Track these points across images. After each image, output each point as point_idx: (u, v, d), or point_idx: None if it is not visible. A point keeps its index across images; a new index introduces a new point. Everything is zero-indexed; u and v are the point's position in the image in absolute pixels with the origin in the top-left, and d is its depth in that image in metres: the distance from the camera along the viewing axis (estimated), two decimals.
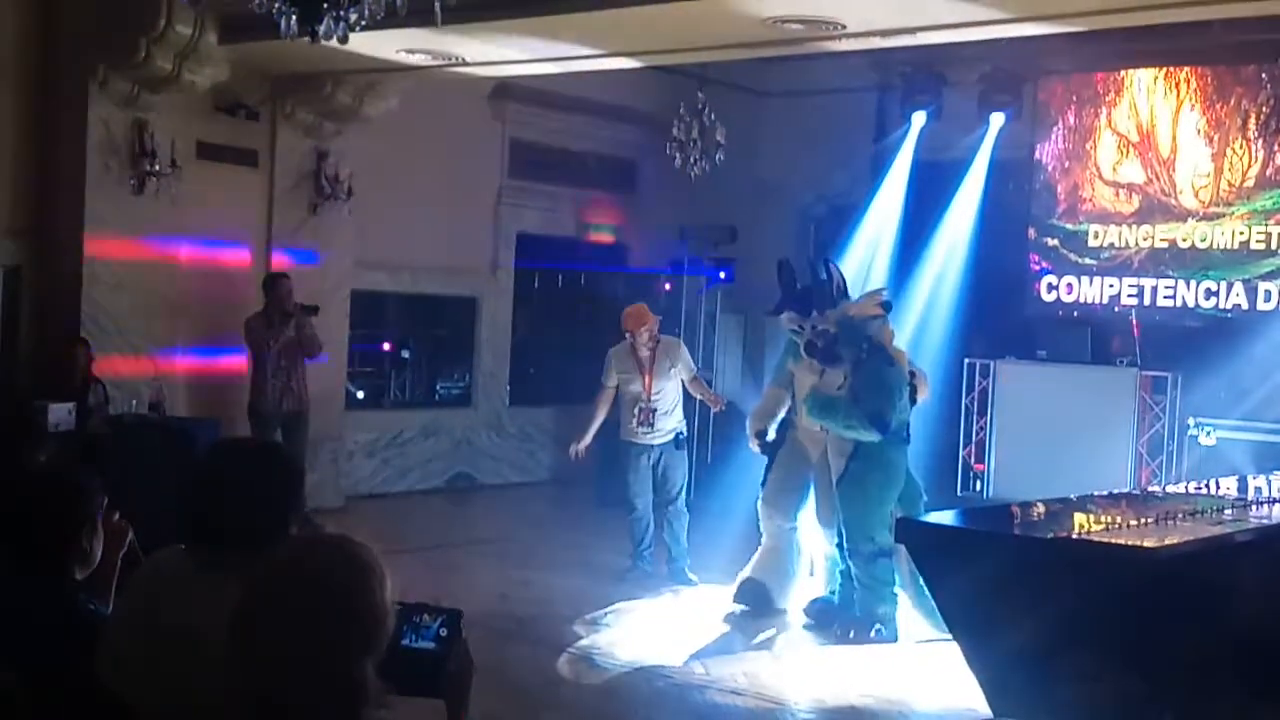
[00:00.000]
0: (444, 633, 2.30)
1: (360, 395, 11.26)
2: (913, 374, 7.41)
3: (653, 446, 8.35)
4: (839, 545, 7.26)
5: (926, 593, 6.94)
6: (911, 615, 7.12)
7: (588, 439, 8.64)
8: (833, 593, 7.46)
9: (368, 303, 11.10)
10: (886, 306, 7.31)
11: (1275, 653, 4.78)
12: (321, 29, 4.56)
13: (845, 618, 7.17)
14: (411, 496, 11.27)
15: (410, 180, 10.84)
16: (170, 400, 9.00)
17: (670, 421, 8.39)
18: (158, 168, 8.96)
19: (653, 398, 8.31)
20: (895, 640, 7.04)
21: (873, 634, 7.03)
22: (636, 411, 8.32)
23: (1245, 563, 5.08)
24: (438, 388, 12.14)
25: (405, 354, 11.88)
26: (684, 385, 8.50)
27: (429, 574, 7.47)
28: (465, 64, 8.81)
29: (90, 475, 2.92)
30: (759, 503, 7.75)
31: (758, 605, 7.57)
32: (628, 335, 8.42)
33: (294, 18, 4.55)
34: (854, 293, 7.88)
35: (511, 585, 8.00)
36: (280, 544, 2.31)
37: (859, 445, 7.09)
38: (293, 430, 9.20)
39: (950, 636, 6.76)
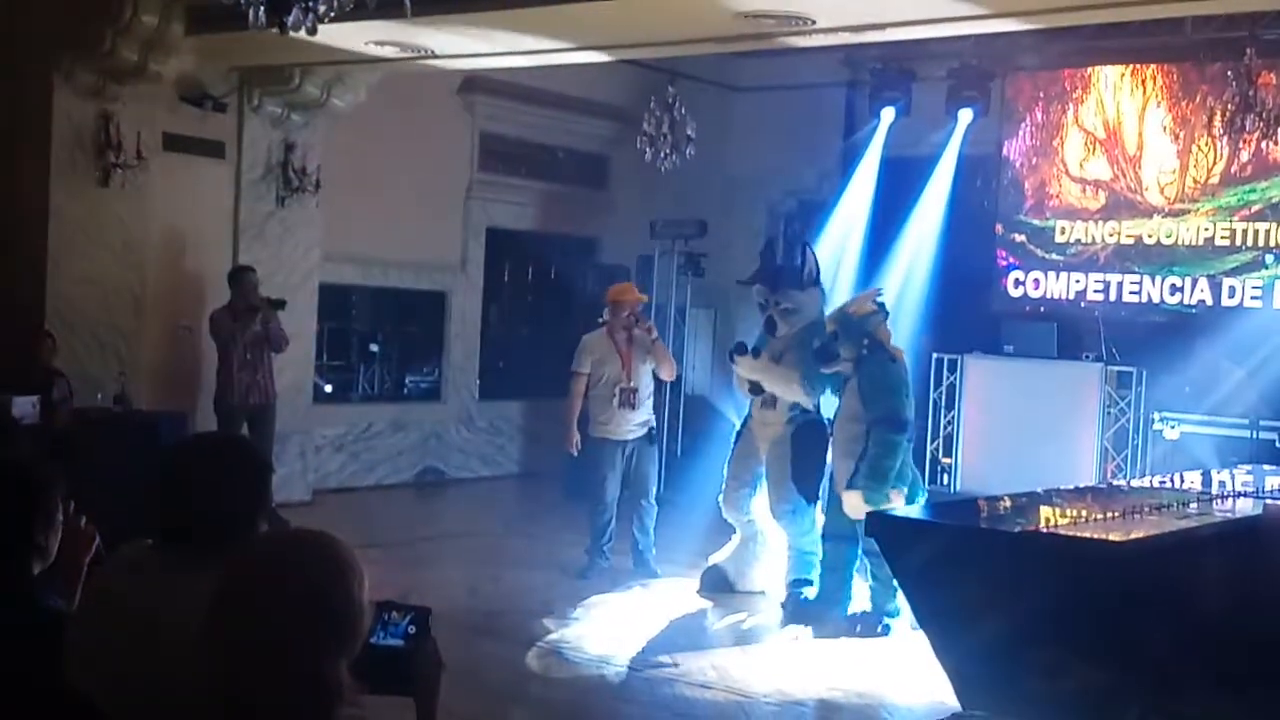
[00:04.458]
0: (413, 630, 2.29)
1: (328, 389, 11.21)
2: None
3: (625, 441, 8.29)
4: (827, 538, 7.30)
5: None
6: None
7: (575, 432, 8.37)
8: (804, 582, 7.49)
9: (336, 296, 11.04)
10: (881, 307, 7.38)
11: (1239, 645, 4.83)
12: (290, 20, 4.53)
13: (839, 613, 7.19)
14: (380, 491, 11.22)
15: (379, 173, 10.79)
16: (135, 394, 8.92)
17: (645, 412, 8.32)
18: (123, 159, 8.88)
19: (632, 379, 8.21)
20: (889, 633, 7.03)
21: (879, 629, 7.03)
22: (617, 393, 8.16)
23: (1209, 556, 5.13)
24: (407, 382, 12.10)
25: (374, 348, 11.84)
26: (654, 374, 8.44)
27: (398, 569, 7.44)
28: (434, 56, 8.77)
29: (48, 468, 2.87)
30: (719, 497, 7.93)
31: (717, 590, 7.79)
32: (605, 313, 8.34)
33: (262, 9, 4.51)
34: (825, 285, 8.03)
35: (480, 580, 7.98)
36: (248, 539, 2.29)
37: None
38: (259, 424, 9.13)
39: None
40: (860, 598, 7.28)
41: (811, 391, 7.58)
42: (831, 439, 7.40)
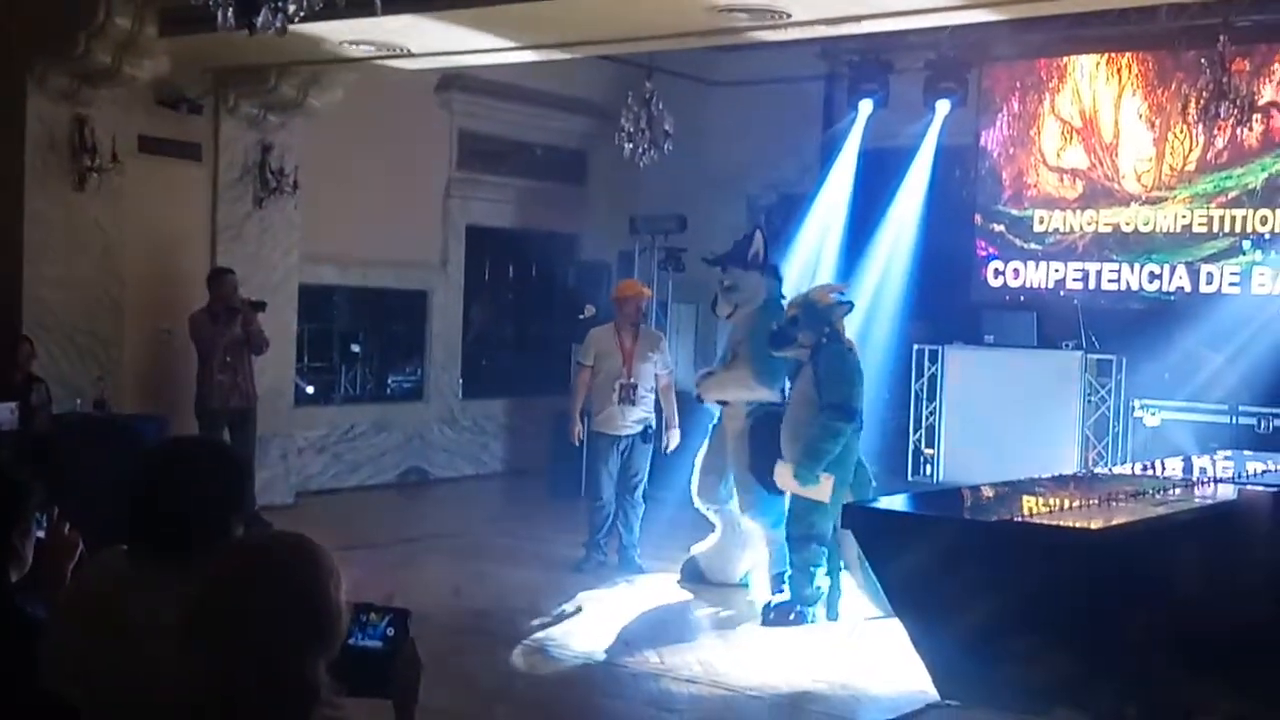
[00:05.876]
0: (391, 632, 2.29)
1: (310, 390, 11.17)
2: None
3: (622, 437, 8.30)
4: (790, 540, 7.31)
5: (873, 575, 7.04)
6: (859, 597, 7.19)
7: (578, 423, 8.45)
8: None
9: (316, 297, 11.01)
10: (846, 301, 7.41)
11: (1217, 632, 4.86)
12: (259, 21, 4.51)
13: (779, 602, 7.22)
14: (363, 492, 11.19)
15: (357, 173, 10.76)
16: (115, 398, 8.89)
17: (643, 409, 8.34)
18: (98, 163, 8.83)
19: (632, 375, 8.25)
20: (813, 622, 7.05)
21: (791, 616, 7.06)
22: (617, 388, 8.21)
23: (1188, 543, 5.16)
24: (389, 382, 12.07)
25: (355, 348, 11.81)
26: (656, 383, 8.46)
27: (382, 570, 7.44)
28: (410, 55, 8.75)
29: (26, 473, 2.86)
30: (692, 488, 8.01)
31: (699, 582, 7.90)
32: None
33: (231, 10, 4.50)
34: (807, 280, 8.08)
35: (465, 579, 7.96)
36: (227, 543, 2.29)
37: None
38: (240, 427, 9.09)
39: (893, 617, 6.91)
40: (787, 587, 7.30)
41: (771, 383, 7.60)
42: (782, 424, 7.41)
